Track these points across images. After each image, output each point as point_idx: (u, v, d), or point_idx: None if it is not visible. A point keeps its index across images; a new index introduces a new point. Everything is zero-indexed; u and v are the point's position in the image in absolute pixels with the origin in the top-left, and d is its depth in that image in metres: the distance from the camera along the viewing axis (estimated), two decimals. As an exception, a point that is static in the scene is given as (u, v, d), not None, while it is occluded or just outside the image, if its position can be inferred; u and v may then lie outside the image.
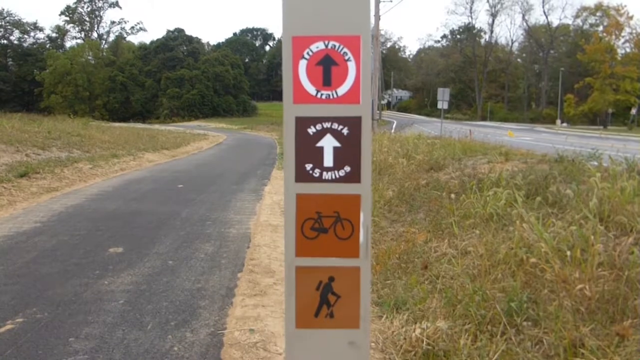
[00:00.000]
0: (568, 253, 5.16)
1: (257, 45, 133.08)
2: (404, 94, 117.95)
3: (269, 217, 9.72)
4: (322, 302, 1.11)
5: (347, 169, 1.13)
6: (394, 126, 45.15)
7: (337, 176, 1.11)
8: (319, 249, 1.09)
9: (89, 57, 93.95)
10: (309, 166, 1.12)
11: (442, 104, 34.27)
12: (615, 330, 3.65)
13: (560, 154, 10.57)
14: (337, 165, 1.10)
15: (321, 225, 1.11)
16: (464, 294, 5.11)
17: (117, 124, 47.94)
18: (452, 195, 8.32)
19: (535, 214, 6.31)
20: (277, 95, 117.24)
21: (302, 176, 1.10)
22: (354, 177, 1.11)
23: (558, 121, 72.28)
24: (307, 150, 1.10)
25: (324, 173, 1.11)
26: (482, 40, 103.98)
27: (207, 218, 9.53)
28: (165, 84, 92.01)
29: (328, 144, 1.08)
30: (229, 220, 9.34)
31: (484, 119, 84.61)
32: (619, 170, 8.13)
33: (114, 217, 9.60)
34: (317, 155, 1.10)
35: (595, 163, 9.59)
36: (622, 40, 78.67)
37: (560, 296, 4.69)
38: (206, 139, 37.44)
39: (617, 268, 4.91)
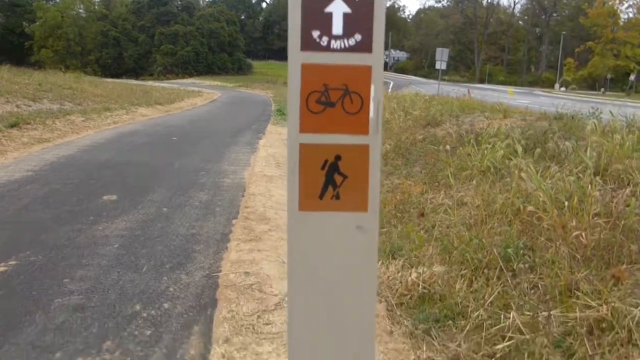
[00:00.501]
0: (566, 203, 5.15)
1: (253, 1, 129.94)
2: (401, 54, 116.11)
3: (263, 168, 9.66)
4: (327, 182, 1.04)
5: (358, 37, 1.04)
6: (390, 86, 44.75)
7: (347, 45, 1.02)
8: (325, 124, 1.02)
9: (81, 10, 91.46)
10: (315, 33, 1.03)
11: (440, 64, 33.76)
12: (610, 273, 3.65)
13: (559, 111, 10.48)
14: (347, 33, 1.02)
15: (328, 98, 1.03)
16: (460, 241, 5.10)
17: (109, 80, 47.04)
18: (448, 147, 8.25)
19: (534, 166, 6.27)
20: (273, 54, 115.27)
21: (308, 44, 1.01)
22: (365, 46, 1.02)
23: (557, 85, 71.75)
24: (314, 16, 1.01)
25: (332, 41, 1.02)
26: (484, 1, 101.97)
27: (201, 169, 9.45)
28: (159, 39, 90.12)
29: (338, 9, 0.98)
30: (223, 171, 9.27)
31: (482, 81, 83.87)
32: (618, 126, 8.06)
33: (107, 167, 9.50)
34: (325, 22, 1.01)
35: (595, 121, 9.51)
36: (626, 5, 77.59)
37: (557, 244, 4.69)
38: (200, 95, 36.89)
39: (613, 217, 4.90)
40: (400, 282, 4.65)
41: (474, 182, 6.95)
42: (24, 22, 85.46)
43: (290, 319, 1.12)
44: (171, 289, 4.43)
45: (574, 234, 4.58)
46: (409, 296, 4.51)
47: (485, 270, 4.32)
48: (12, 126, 12.24)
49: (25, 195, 7.24)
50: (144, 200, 7.14)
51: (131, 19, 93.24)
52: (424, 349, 3.79)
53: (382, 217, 6.23)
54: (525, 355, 3.37)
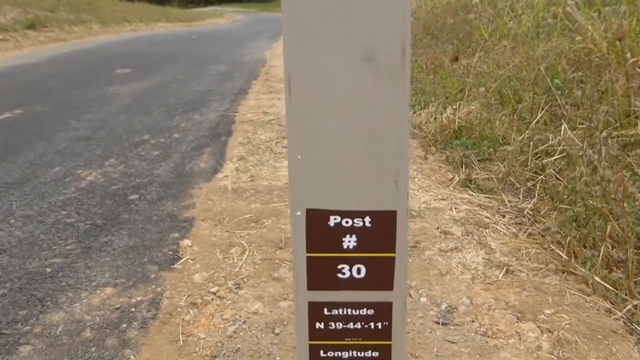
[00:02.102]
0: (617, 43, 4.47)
1: None
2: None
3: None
4: None
5: None
6: None
7: None
8: None
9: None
10: None
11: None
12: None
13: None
14: None
15: None
16: (498, 80, 4.53)
17: (128, 3, 45.73)
18: (474, 16, 7.44)
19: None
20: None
21: None
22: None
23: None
24: None
25: None
26: None
27: (220, 53, 8.95)
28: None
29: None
30: (243, 53, 8.77)
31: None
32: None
33: (124, 54, 9.08)
34: None
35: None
36: None
37: (610, 74, 4.07)
38: (222, 16, 35.81)
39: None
40: (434, 122, 4.16)
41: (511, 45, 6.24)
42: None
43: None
44: (183, 125, 4.06)
45: (631, 60, 3.94)
46: (444, 133, 4.03)
47: (532, 86, 3.76)
48: (29, 27, 11.84)
49: (38, 72, 6.89)
50: (159, 71, 6.72)
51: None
52: (463, 169, 3.34)
53: (412, 76, 5.67)
54: (581, 166, 2.86)
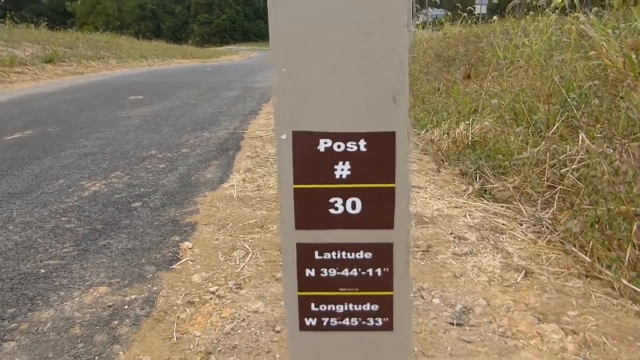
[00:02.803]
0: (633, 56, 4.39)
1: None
2: (439, 12, 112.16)
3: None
4: None
5: None
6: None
7: None
8: None
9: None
10: None
11: (481, 8, 32.01)
12: None
13: None
14: None
15: None
16: (511, 99, 4.45)
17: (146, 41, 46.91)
18: (485, 43, 7.43)
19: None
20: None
21: None
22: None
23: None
24: None
25: None
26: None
27: (233, 81, 9.04)
28: (195, 9, 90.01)
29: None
30: (256, 80, 8.85)
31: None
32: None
33: (138, 83, 9.21)
34: None
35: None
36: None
37: (628, 86, 3.97)
38: (237, 54, 36.61)
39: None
40: (447, 138, 4.07)
41: (525, 67, 6.19)
42: (66, 2, 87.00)
43: None
44: (191, 141, 4.02)
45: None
46: (456, 148, 3.93)
47: (548, 99, 3.67)
48: (47, 62, 12.14)
49: (53, 99, 6.98)
50: (172, 97, 6.77)
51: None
52: (477, 180, 3.23)
53: (423, 99, 5.63)
54: (602, 165, 2.74)
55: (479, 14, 35.93)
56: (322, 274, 0.70)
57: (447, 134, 4.36)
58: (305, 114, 0.65)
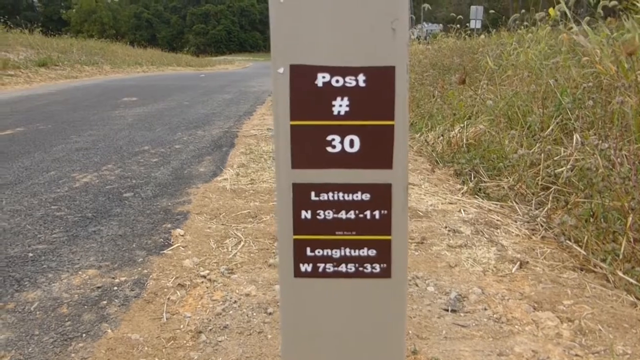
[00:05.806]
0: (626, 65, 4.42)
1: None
2: (434, 27, 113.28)
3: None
4: None
5: None
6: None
7: None
8: None
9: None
10: None
11: (475, 23, 32.30)
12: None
13: None
14: None
15: None
16: (505, 102, 4.47)
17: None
18: (480, 53, 7.50)
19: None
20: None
21: None
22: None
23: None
24: None
25: None
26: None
27: (227, 85, 9.04)
28: (190, 20, 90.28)
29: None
30: (250, 85, 8.86)
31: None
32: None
33: (132, 86, 9.18)
34: None
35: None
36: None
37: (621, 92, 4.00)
38: (232, 63, 36.70)
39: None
40: (442, 141, 4.08)
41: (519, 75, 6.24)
42: (61, 10, 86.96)
43: None
44: (185, 138, 3.99)
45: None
46: (451, 151, 3.93)
47: (542, 100, 3.69)
48: (41, 65, 12.09)
49: (45, 100, 6.93)
50: (166, 99, 6.75)
51: (163, 0, 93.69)
52: (472, 178, 3.22)
53: (418, 104, 5.64)
54: (597, 158, 2.74)
55: (473, 29, 36.38)
56: (318, 216, 0.68)
57: (442, 136, 4.36)
58: (303, 47, 0.63)
